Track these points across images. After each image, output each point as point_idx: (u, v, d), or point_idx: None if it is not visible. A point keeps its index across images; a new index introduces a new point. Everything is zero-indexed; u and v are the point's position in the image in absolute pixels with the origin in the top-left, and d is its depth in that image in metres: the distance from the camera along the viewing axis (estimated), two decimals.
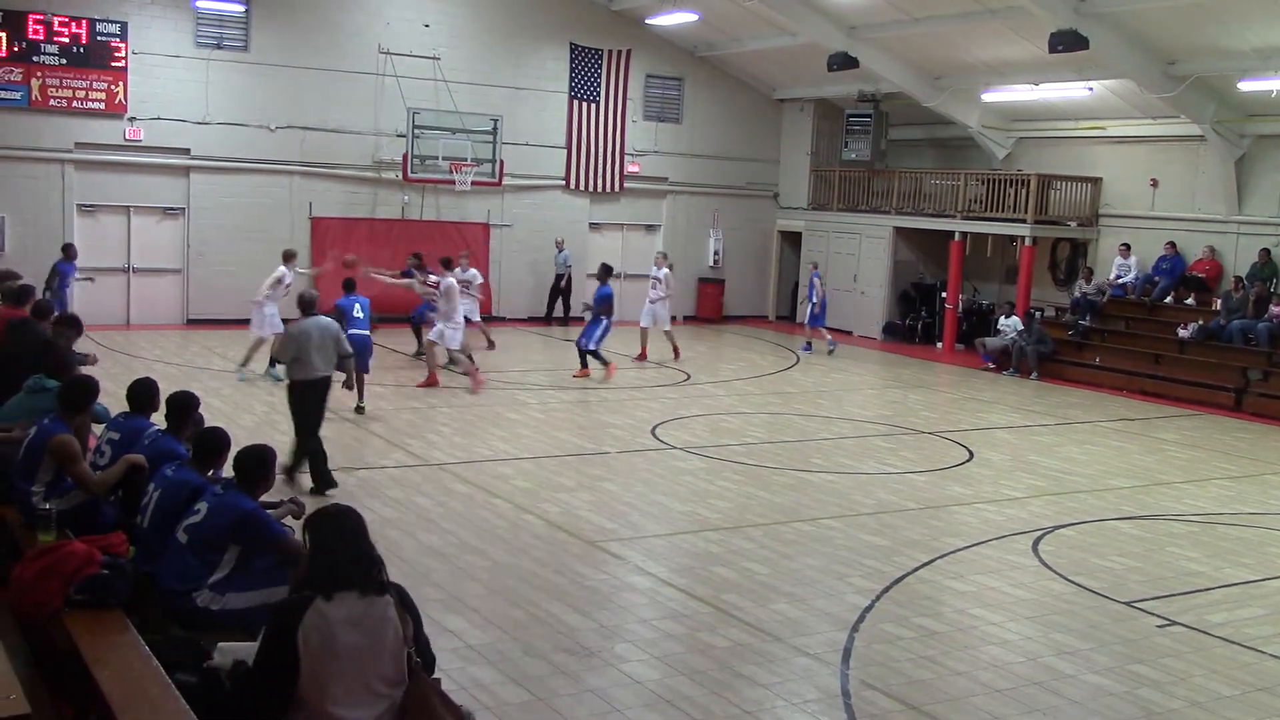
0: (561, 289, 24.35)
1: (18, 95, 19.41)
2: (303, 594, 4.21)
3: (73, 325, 9.81)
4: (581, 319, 23.24)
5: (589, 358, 17.44)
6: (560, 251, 24.12)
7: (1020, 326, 21.11)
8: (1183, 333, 19.57)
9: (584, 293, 22.56)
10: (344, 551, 4.25)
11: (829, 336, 22.24)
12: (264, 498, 6.32)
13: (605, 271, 18.60)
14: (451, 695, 6.34)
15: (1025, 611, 8.39)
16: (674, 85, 25.99)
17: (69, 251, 18.05)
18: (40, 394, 7.75)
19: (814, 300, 21.85)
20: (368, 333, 14.43)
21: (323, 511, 4.50)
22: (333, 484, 10.47)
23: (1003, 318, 21.79)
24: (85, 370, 8.14)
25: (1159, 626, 8.22)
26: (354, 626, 4.10)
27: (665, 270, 20.23)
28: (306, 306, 10.79)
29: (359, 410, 13.97)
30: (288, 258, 17.02)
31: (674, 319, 21.84)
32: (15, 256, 18.61)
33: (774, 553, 9.44)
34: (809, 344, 22.40)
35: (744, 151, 26.92)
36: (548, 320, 24.38)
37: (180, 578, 5.80)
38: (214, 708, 4.56)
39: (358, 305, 14.43)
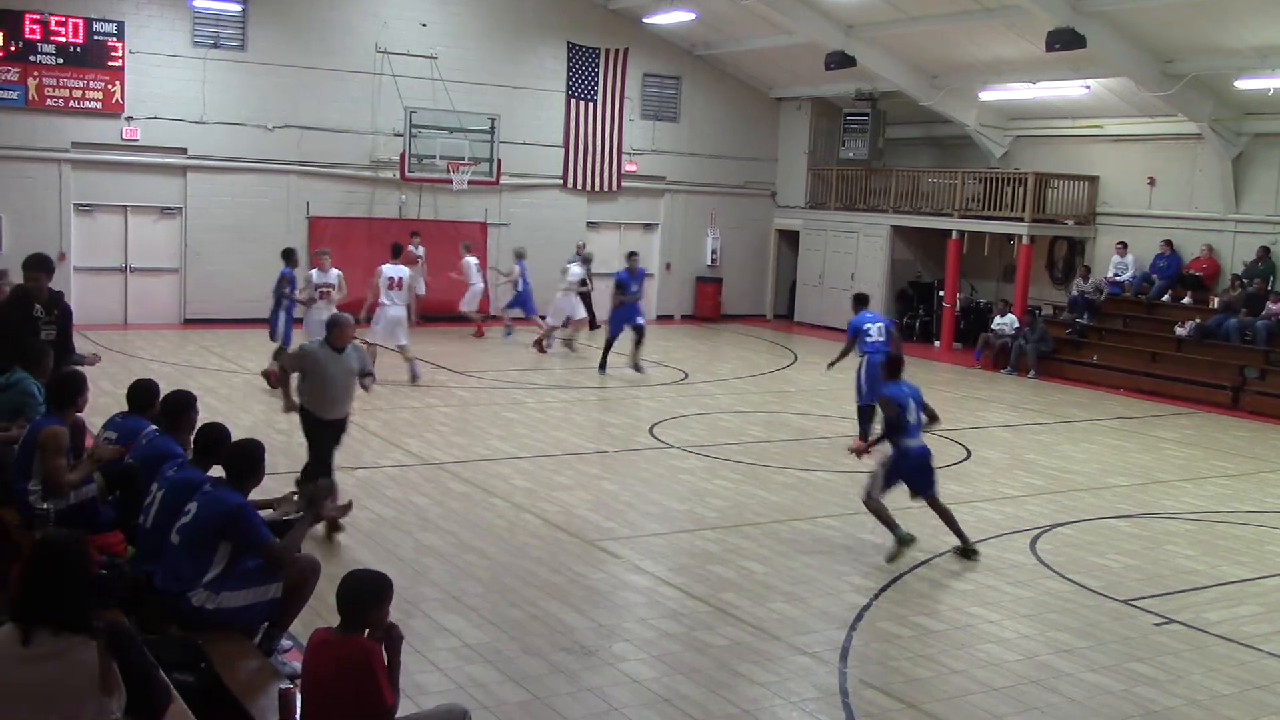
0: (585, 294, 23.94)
1: (14, 95, 19.38)
2: None
3: (41, 266, 9.38)
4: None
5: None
6: (578, 255, 23.75)
7: (1016, 325, 21.14)
8: (1180, 331, 19.58)
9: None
10: (48, 585, 3.93)
11: (508, 321, 21.60)
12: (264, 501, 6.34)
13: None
14: (450, 694, 6.37)
15: (1023, 610, 8.39)
16: (671, 84, 25.98)
17: (291, 258, 15.95)
18: (10, 389, 7.73)
19: (519, 289, 21.28)
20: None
21: (44, 539, 4.18)
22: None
23: (998, 317, 21.81)
24: (84, 370, 8.13)
25: (1157, 625, 8.22)
26: (40, 663, 3.83)
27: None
28: (331, 327, 9.38)
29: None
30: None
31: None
32: (13, 256, 18.42)
33: (772, 551, 9.44)
34: (509, 330, 21.54)
35: (742, 150, 26.92)
36: (596, 327, 23.24)
37: (175, 578, 5.81)
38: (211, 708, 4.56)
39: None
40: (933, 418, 9.70)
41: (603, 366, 17.86)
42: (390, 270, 16.27)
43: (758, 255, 27.64)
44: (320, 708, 4.60)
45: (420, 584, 8.18)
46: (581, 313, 20.41)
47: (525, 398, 15.85)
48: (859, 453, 10.17)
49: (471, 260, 21.48)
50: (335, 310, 14.30)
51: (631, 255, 18.95)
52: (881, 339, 13.41)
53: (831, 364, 14.04)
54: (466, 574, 8.51)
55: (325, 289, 15.30)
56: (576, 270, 20.07)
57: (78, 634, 3.88)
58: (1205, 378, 18.60)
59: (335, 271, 15.51)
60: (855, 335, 13.54)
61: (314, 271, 15.61)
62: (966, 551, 9.43)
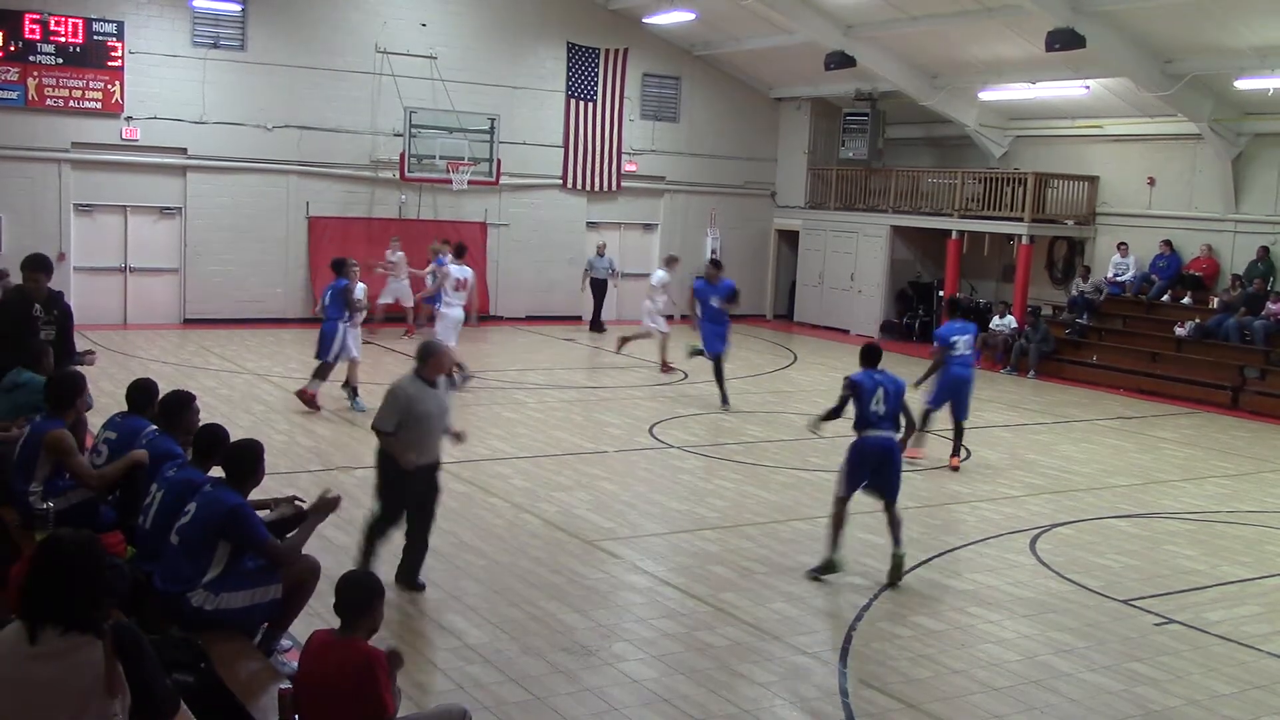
0: (598, 294, 23.71)
1: (14, 95, 19.38)
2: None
3: (40, 266, 9.24)
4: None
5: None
6: (601, 256, 23.74)
7: (1014, 325, 21.18)
8: (1180, 331, 19.59)
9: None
10: (56, 584, 3.91)
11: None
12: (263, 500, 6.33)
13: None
14: (450, 694, 6.37)
15: (1023, 610, 8.39)
16: (671, 84, 25.98)
17: (344, 269, 14.25)
18: (18, 390, 7.74)
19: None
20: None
21: (53, 537, 4.16)
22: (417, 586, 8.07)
23: (996, 318, 21.83)
24: (83, 369, 8.13)
25: (1156, 624, 8.23)
26: (45, 662, 3.83)
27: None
28: (424, 358, 7.96)
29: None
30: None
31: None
32: (13, 256, 18.46)
33: (772, 551, 9.44)
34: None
35: (741, 150, 26.92)
36: (599, 329, 23.36)
37: (175, 578, 5.81)
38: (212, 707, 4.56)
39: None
40: (909, 424, 9.20)
41: (725, 400, 15.61)
42: (458, 271, 16.16)
43: (757, 255, 27.63)
44: (318, 710, 4.60)
45: None
46: (665, 326, 18.44)
47: (525, 398, 15.85)
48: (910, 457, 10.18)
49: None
50: (357, 328, 14.11)
51: (714, 263, 16.77)
52: (969, 352, 12.72)
53: (918, 382, 12.56)
54: (466, 574, 8.50)
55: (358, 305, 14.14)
56: (661, 275, 18.67)
57: (85, 634, 3.86)
58: (1205, 378, 18.61)
59: (361, 285, 14.39)
60: (944, 348, 12.64)
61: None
62: (896, 559, 8.79)
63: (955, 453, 12.88)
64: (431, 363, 7.89)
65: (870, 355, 9.18)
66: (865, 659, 7.28)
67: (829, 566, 8.82)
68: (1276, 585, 9.39)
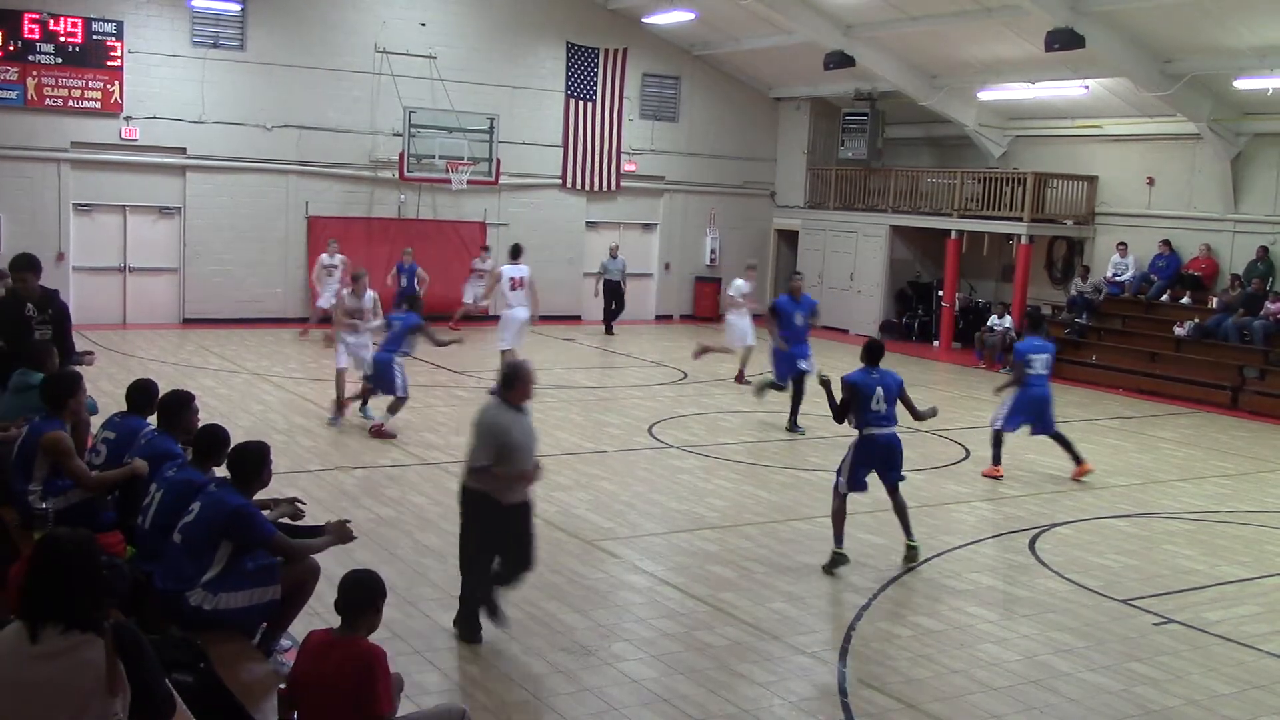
0: (611, 296, 23.62)
1: (13, 95, 19.38)
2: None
3: (27, 266, 9.14)
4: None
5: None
6: (614, 258, 23.67)
7: (1010, 325, 21.22)
8: (1179, 331, 19.59)
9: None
10: (55, 582, 3.89)
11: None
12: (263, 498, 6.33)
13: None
14: (450, 694, 6.37)
15: (1022, 609, 8.39)
16: (671, 84, 25.98)
17: (417, 304, 13.66)
18: (26, 392, 7.74)
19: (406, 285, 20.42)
20: None
21: (50, 536, 4.13)
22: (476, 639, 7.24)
23: (995, 318, 21.85)
24: (82, 369, 8.13)
25: (1156, 624, 8.23)
26: (47, 661, 3.82)
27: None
28: (511, 383, 7.17)
29: None
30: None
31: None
32: (11, 257, 18.55)
33: (771, 551, 9.44)
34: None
35: (741, 150, 26.93)
36: (608, 330, 23.32)
37: (175, 577, 5.82)
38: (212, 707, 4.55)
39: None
40: (915, 415, 9.34)
41: (794, 424, 14.27)
42: (511, 270, 15.96)
43: (757, 255, 27.58)
44: (315, 708, 4.60)
45: (420, 584, 8.18)
46: (753, 339, 16.92)
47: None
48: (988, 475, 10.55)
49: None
50: (366, 338, 13.26)
51: (796, 276, 15.36)
52: (1045, 371, 12.47)
53: (1000, 389, 12.91)
54: None
55: (358, 313, 13.51)
56: (741, 284, 17.21)
57: (86, 633, 3.85)
58: (1204, 378, 18.61)
59: (371, 294, 13.57)
60: (1023, 365, 12.44)
61: (345, 292, 14.01)
62: (911, 550, 9.17)
63: (1079, 460, 12.58)
64: (519, 386, 7.08)
65: (872, 352, 9.24)
66: (865, 659, 7.28)
67: (839, 559, 8.94)
68: (1276, 585, 9.39)
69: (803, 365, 14.01)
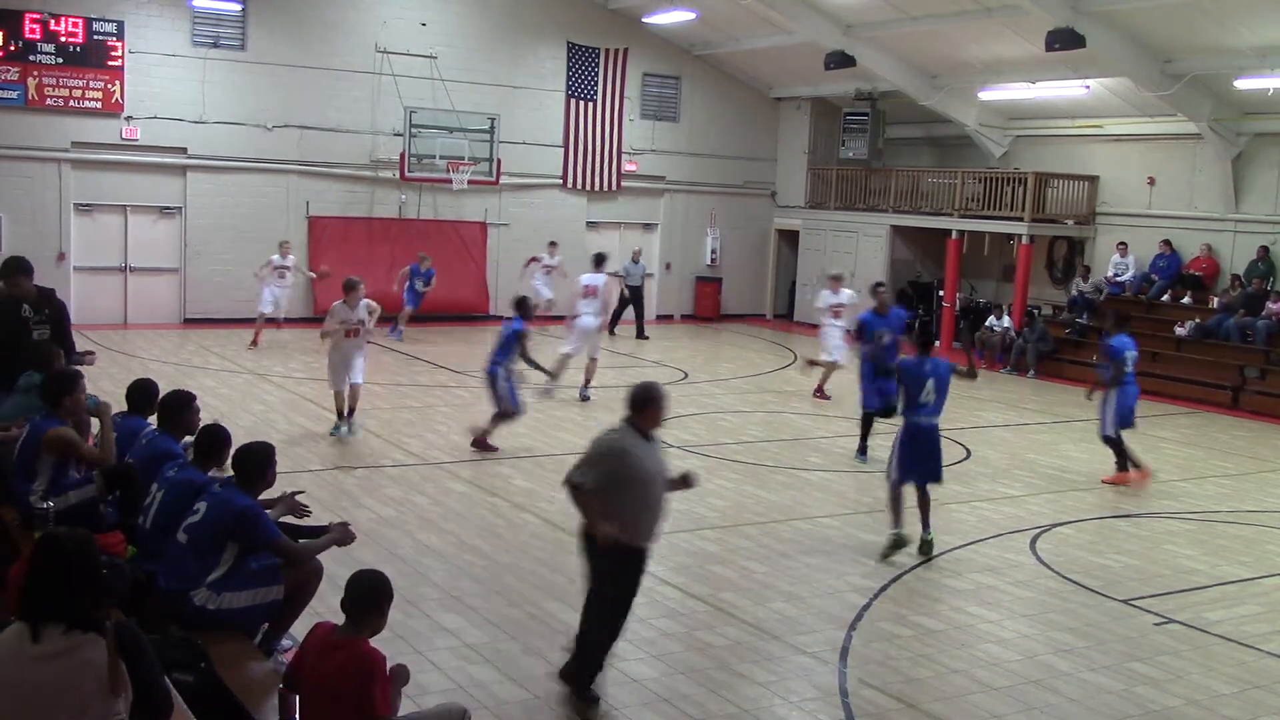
0: (628, 300, 23.42)
1: (14, 95, 19.38)
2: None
3: (19, 270, 9.05)
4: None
5: None
6: (636, 263, 23.53)
7: (1008, 325, 21.23)
8: (1180, 331, 19.59)
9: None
10: (55, 582, 3.87)
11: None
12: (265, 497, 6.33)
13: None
14: (450, 694, 6.37)
15: (1023, 609, 8.39)
16: (671, 84, 25.98)
17: (524, 307, 12.90)
18: (30, 392, 7.75)
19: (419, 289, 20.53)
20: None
21: (49, 536, 4.12)
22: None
23: (993, 319, 21.86)
24: (82, 369, 8.13)
25: (1156, 624, 8.23)
26: (48, 662, 3.80)
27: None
28: (634, 400, 6.32)
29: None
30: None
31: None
32: (12, 257, 18.56)
33: (772, 551, 9.45)
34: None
35: (741, 150, 26.92)
36: (609, 331, 22.27)
37: (179, 577, 5.83)
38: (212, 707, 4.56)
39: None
40: (971, 376, 9.84)
41: (863, 451, 12.96)
42: (587, 279, 15.93)
43: (757, 255, 27.64)
44: (315, 706, 4.61)
45: (420, 584, 8.18)
46: (842, 356, 16.12)
47: (525, 398, 15.82)
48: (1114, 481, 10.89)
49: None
50: (362, 345, 12.41)
51: (879, 288, 14.01)
52: (1133, 370, 12.10)
53: (1091, 392, 12.51)
54: (466, 574, 8.51)
55: (354, 327, 12.60)
56: (831, 296, 16.82)
57: (87, 633, 3.84)
58: (1205, 377, 18.61)
59: (366, 303, 12.70)
60: (1120, 361, 11.99)
61: (338, 304, 12.68)
62: (927, 544, 9.38)
63: (1125, 467, 12.30)
64: (650, 410, 6.22)
65: (925, 339, 9.64)
66: (865, 659, 7.28)
67: (897, 542, 9.19)
68: (1276, 585, 9.39)
69: (891, 390, 11.70)
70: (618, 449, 6.11)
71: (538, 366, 12.91)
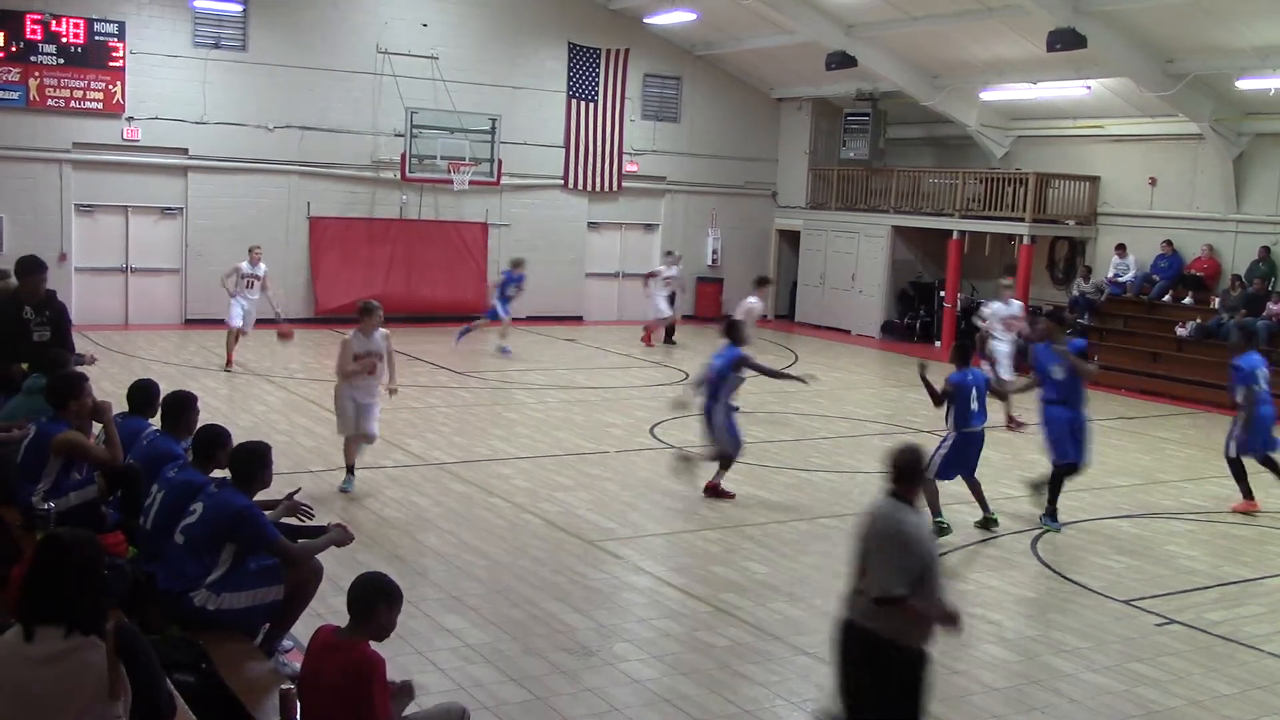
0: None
1: (15, 95, 19.39)
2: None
3: (36, 269, 9.01)
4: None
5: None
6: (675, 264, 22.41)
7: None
8: (1181, 331, 19.58)
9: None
10: (56, 584, 3.85)
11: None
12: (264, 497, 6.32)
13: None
14: (450, 694, 6.36)
15: (1023, 610, 8.39)
16: (672, 84, 25.98)
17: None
18: (36, 394, 7.76)
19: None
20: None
21: (51, 537, 4.11)
22: None
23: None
24: (83, 369, 8.13)
25: (1158, 625, 8.22)
26: (48, 665, 3.79)
27: None
28: (903, 470, 5.32)
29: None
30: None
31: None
32: (13, 256, 18.28)
33: (773, 552, 9.44)
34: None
35: (742, 150, 26.92)
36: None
37: (178, 578, 5.82)
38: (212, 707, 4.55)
39: None
40: (1004, 397, 10.88)
41: (1053, 515, 10.53)
42: (1004, 309, 16.34)
43: (758, 255, 27.62)
44: (316, 708, 4.61)
45: (420, 584, 8.17)
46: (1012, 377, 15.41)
47: (526, 398, 15.85)
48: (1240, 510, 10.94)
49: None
50: (376, 386, 10.46)
51: (1038, 319, 13.14)
52: (1266, 387, 11.25)
53: (1231, 437, 11.40)
54: (467, 574, 8.51)
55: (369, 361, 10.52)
56: (1004, 308, 16.29)
57: (87, 636, 3.83)
58: (1206, 378, 18.57)
59: (383, 332, 10.62)
60: (1252, 386, 11.10)
61: (351, 334, 10.68)
62: (989, 520, 10.21)
63: (1250, 493, 11.40)
64: (917, 476, 5.36)
65: (962, 354, 10.37)
66: None
67: (940, 530, 9.63)
68: (1278, 585, 9.39)
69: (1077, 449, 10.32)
70: (923, 533, 5.24)
71: (782, 375, 11.87)
